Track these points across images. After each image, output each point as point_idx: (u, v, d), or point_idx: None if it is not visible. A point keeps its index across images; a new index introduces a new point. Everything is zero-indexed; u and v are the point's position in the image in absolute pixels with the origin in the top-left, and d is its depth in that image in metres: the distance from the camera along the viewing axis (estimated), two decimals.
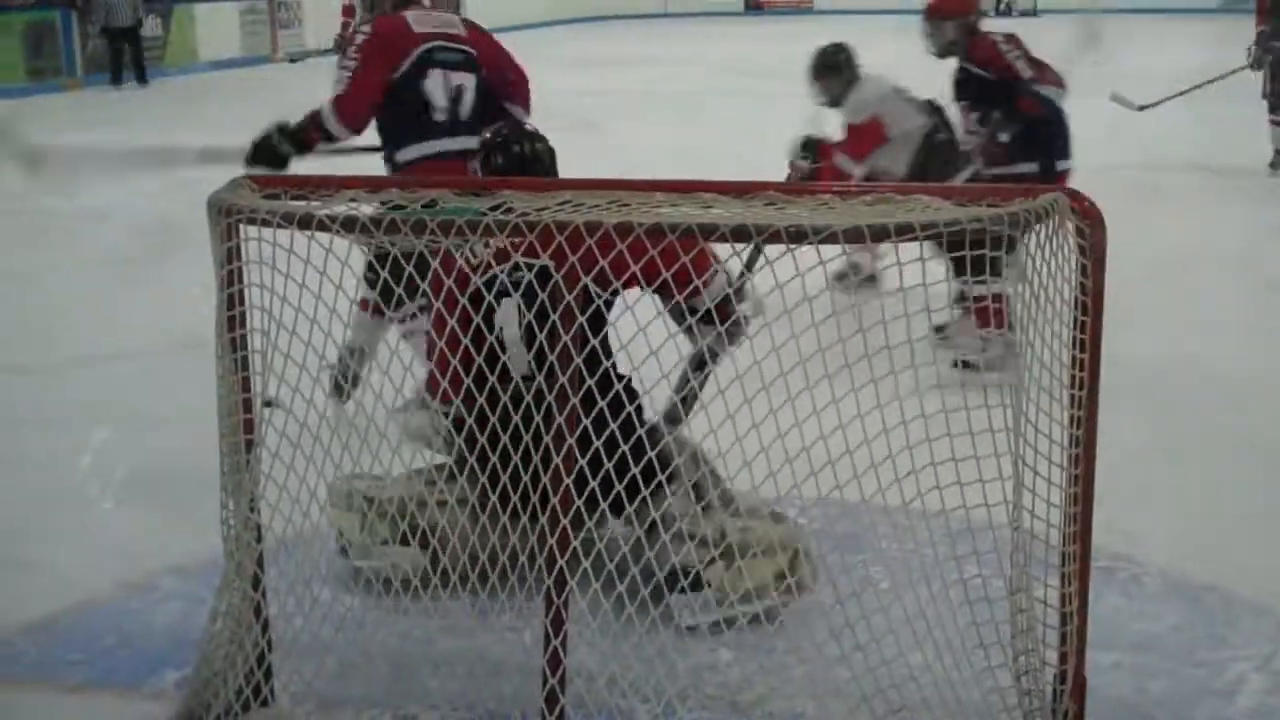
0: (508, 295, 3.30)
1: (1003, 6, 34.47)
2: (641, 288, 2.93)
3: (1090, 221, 2.57)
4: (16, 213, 9.65)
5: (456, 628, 3.23)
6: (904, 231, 2.45)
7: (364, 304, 4.59)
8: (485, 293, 3.21)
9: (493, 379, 2.86)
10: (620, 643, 2.95)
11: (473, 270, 3.18)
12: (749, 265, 3.50)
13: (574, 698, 2.84)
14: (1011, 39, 6.17)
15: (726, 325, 3.08)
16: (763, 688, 3.05)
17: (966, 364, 5.08)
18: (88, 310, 7.06)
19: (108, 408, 5.43)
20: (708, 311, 3.05)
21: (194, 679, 3.05)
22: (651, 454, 2.80)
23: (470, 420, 2.98)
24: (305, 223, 2.66)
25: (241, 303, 2.85)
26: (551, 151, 3.76)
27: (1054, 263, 2.59)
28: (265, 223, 2.72)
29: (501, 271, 3.25)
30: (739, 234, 2.46)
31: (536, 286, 2.78)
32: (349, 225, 2.63)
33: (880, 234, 2.45)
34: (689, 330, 3.16)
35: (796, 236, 2.44)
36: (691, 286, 2.94)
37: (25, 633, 3.59)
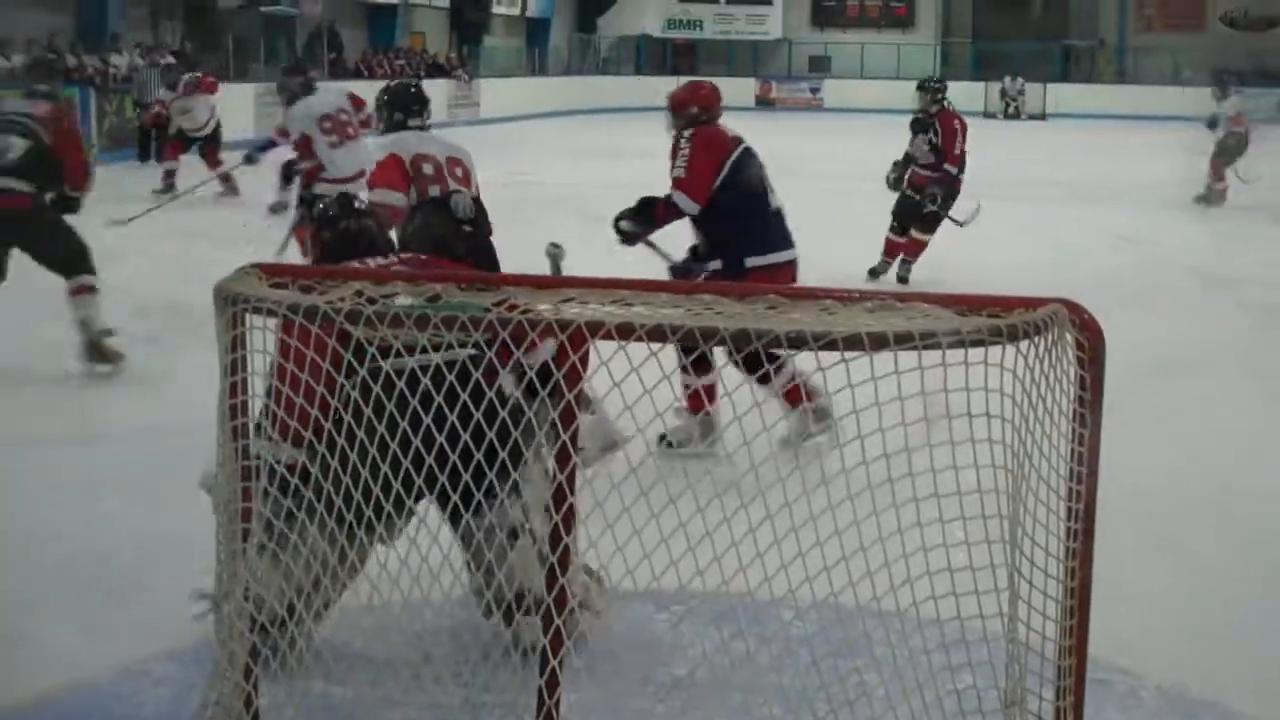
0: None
1: (1011, 110, 34.84)
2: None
3: (1089, 334, 2.59)
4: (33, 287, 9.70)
5: None
6: (904, 340, 2.46)
7: None
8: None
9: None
10: None
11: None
12: None
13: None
14: (706, 139, 6.16)
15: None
16: None
17: (668, 443, 5.10)
18: (92, 387, 7.07)
19: (110, 485, 5.43)
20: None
21: None
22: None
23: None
24: (310, 314, 2.68)
25: (244, 391, 2.86)
26: (372, 228, 4.04)
27: (1052, 375, 2.59)
28: (271, 313, 2.73)
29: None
30: (739, 338, 2.48)
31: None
32: (353, 318, 2.65)
33: (880, 341, 2.46)
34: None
35: (796, 342, 2.46)
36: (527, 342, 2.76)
37: (11, 713, 3.56)
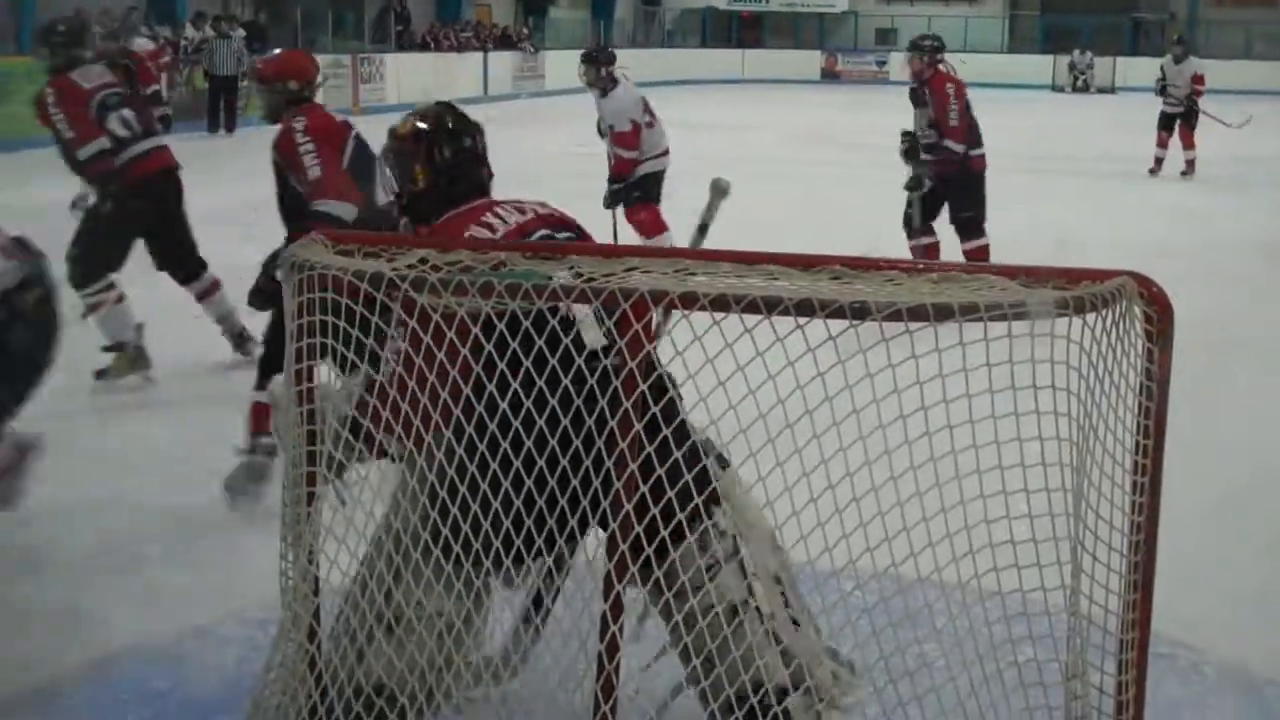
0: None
1: (1079, 84, 34.45)
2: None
3: (1158, 307, 2.56)
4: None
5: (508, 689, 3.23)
6: (969, 311, 2.45)
7: None
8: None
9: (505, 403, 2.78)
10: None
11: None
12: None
13: None
14: (320, 128, 5.37)
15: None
16: None
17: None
18: (162, 356, 7.15)
19: (175, 452, 5.50)
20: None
21: None
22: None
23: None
24: (376, 281, 2.70)
25: (311, 357, 2.88)
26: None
27: (1120, 348, 2.57)
28: (337, 279, 2.75)
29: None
30: (803, 308, 2.47)
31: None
32: (418, 285, 2.66)
33: (944, 313, 2.45)
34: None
35: (860, 313, 2.45)
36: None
37: (80, 673, 3.63)
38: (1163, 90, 15.77)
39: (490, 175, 3.46)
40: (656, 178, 9.16)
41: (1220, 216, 12.71)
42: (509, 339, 2.72)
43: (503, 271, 2.70)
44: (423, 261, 2.75)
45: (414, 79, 25.61)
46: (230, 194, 12.20)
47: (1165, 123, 15.82)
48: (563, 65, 31.22)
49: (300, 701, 3.00)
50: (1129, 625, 2.64)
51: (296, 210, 5.27)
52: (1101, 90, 34.21)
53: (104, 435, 5.80)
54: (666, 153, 9.33)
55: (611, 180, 9.09)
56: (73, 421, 5.96)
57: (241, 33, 21.10)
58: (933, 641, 3.05)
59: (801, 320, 2.53)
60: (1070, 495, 2.63)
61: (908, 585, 2.85)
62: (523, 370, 2.72)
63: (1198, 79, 15.60)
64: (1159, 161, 15.90)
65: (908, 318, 2.44)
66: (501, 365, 2.73)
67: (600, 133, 9.39)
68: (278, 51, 6.54)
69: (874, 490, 2.64)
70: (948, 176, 8.70)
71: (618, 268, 2.73)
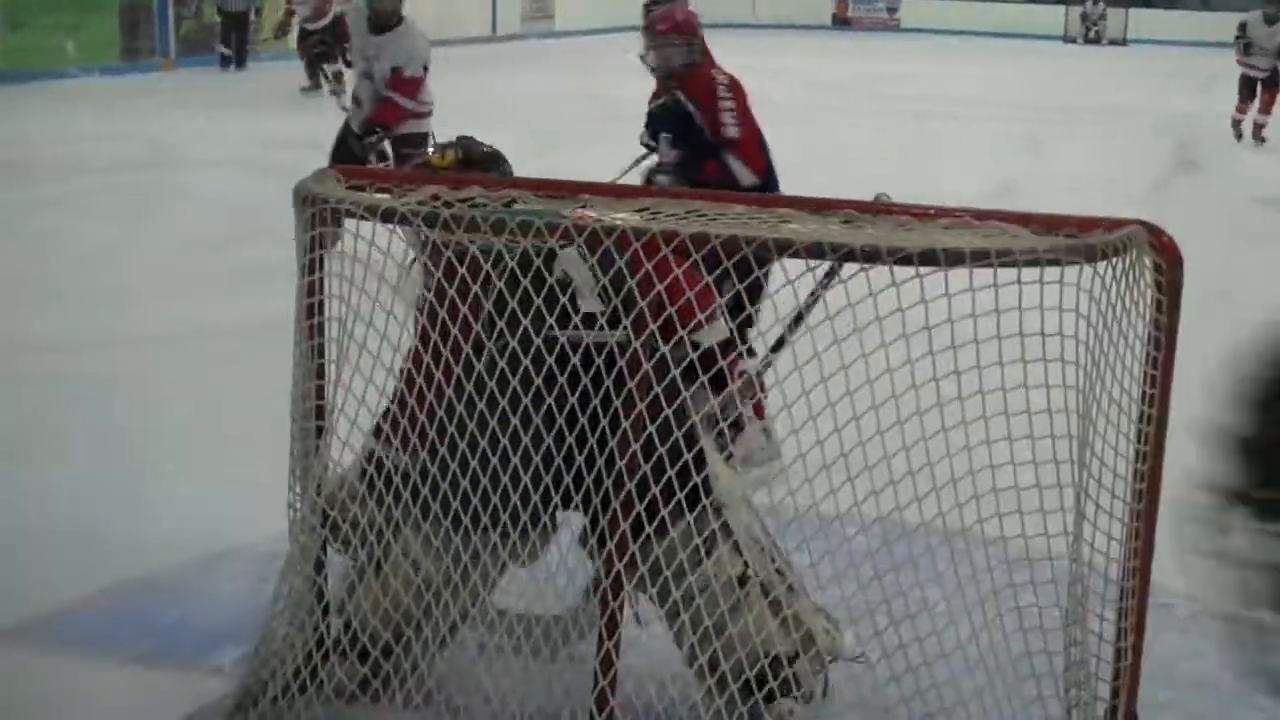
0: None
1: (1091, 35, 34.16)
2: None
3: (1168, 258, 2.57)
4: (112, 188, 9.84)
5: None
6: (980, 257, 2.45)
7: None
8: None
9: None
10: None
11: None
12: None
13: (624, 699, 2.86)
14: (734, 87, 5.34)
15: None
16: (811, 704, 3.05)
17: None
18: (170, 288, 7.16)
19: (185, 385, 5.51)
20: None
21: (253, 658, 3.10)
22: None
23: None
24: (388, 216, 2.70)
25: (320, 291, 2.89)
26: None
27: (1129, 297, 2.58)
28: (349, 214, 2.75)
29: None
30: (814, 251, 2.47)
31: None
32: (430, 220, 2.66)
33: (956, 258, 2.45)
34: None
35: (871, 256, 2.45)
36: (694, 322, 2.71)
37: (89, 603, 3.66)
38: (1245, 49, 14.60)
39: None
40: (424, 138, 7.71)
41: (1236, 170, 12.62)
42: (508, 297, 2.73)
43: (515, 209, 2.70)
44: (435, 198, 2.75)
45: (420, 18, 25.38)
46: (245, 128, 12.24)
47: (1247, 86, 14.51)
48: (573, 6, 30.99)
49: (307, 633, 3.03)
50: (1130, 574, 2.66)
51: (699, 155, 5.25)
52: (1113, 42, 33.93)
53: (106, 364, 5.80)
54: (431, 113, 8.13)
55: (373, 127, 7.92)
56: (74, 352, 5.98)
57: None
58: (934, 586, 3.07)
59: (812, 263, 2.54)
60: (1075, 443, 2.64)
61: (911, 530, 2.87)
62: (521, 330, 2.73)
63: None
64: (1238, 125, 14.72)
65: (918, 262, 2.44)
66: (500, 324, 2.74)
67: (368, 75, 8.07)
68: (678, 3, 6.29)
69: (879, 434, 2.65)
70: None
71: (629, 208, 2.73)
